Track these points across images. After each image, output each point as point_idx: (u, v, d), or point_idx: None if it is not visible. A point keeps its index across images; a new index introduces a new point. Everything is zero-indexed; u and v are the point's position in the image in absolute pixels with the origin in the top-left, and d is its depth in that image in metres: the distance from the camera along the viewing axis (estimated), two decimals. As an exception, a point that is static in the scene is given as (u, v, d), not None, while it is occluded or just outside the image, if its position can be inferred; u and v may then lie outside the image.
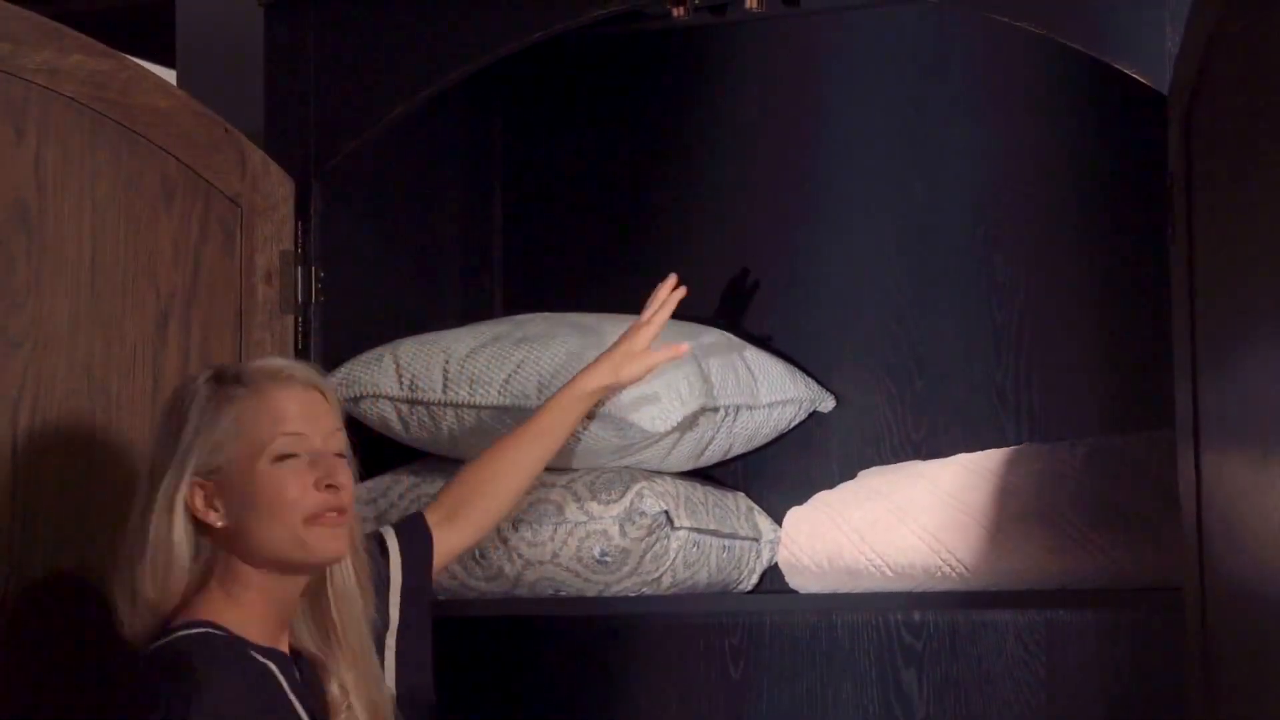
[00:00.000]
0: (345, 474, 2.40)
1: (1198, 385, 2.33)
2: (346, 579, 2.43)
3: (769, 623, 3.10)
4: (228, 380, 2.39)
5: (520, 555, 2.88)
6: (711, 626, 3.13)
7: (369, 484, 2.96)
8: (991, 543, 2.67)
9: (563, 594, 2.89)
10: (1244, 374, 2.13)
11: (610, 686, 3.17)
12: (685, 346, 2.78)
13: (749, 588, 3.05)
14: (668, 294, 2.81)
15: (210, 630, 2.32)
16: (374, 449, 3.00)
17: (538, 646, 2.78)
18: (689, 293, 2.80)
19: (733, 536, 2.98)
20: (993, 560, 2.68)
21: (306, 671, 2.42)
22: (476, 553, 2.88)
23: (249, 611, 2.36)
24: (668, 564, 2.87)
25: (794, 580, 2.89)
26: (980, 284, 3.04)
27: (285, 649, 2.40)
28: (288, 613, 2.41)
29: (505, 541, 2.87)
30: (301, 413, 2.38)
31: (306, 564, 2.38)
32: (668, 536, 2.86)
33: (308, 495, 2.36)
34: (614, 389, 2.75)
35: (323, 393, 2.43)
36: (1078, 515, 2.65)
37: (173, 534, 2.35)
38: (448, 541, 2.68)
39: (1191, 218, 2.34)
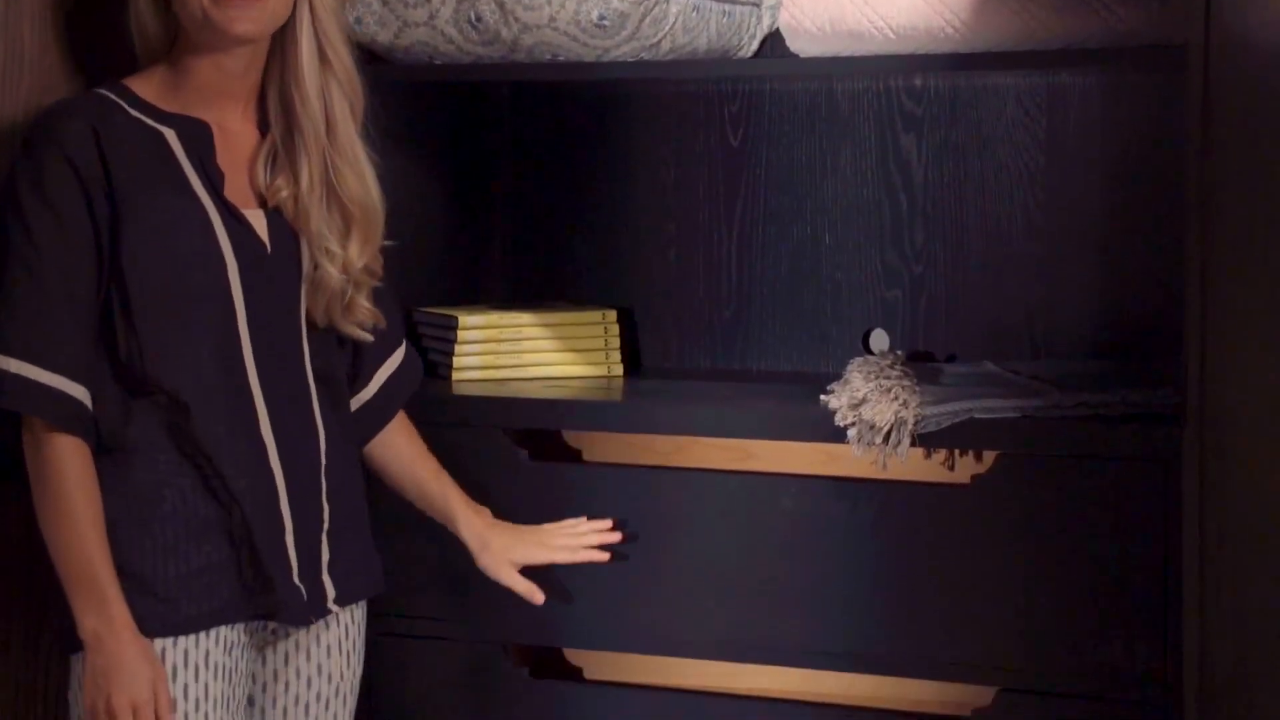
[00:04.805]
0: None
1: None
2: (309, 66, 2.45)
3: (769, 89, 3.09)
4: None
5: (517, 19, 2.84)
6: (711, 94, 3.13)
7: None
8: (996, 1, 2.64)
9: (560, 59, 2.87)
10: None
11: (608, 152, 3.18)
12: (540, 595, 2.66)
13: (749, 54, 3.02)
14: (604, 531, 2.70)
15: (103, 92, 2.44)
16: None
17: (534, 111, 2.76)
18: None
19: (733, 1, 2.94)
20: (996, 21, 2.65)
21: (258, 148, 2.48)
22: (472, 15, 2.86)
23: (182, 80, 2.45)
24: (666, 29, 2.84)
25: (795, 44, 2.86)
26: None
27: (219, 121, 2.46)
28: (228, 89, 2.46)
29: (501, 6, 2.84)
30: None
31: (217, 39, 2.42)
32: (667, 0, 2.82)
33: None
34: (477, 553, 2.68)
35: None
36: (1085, -28, 2.61)
37: None
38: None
39: None
